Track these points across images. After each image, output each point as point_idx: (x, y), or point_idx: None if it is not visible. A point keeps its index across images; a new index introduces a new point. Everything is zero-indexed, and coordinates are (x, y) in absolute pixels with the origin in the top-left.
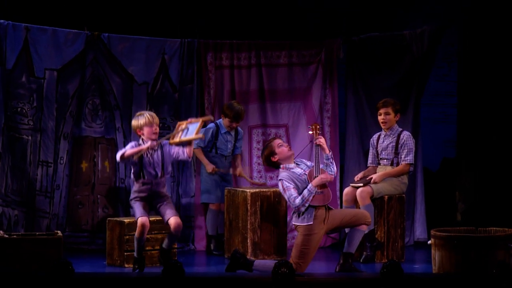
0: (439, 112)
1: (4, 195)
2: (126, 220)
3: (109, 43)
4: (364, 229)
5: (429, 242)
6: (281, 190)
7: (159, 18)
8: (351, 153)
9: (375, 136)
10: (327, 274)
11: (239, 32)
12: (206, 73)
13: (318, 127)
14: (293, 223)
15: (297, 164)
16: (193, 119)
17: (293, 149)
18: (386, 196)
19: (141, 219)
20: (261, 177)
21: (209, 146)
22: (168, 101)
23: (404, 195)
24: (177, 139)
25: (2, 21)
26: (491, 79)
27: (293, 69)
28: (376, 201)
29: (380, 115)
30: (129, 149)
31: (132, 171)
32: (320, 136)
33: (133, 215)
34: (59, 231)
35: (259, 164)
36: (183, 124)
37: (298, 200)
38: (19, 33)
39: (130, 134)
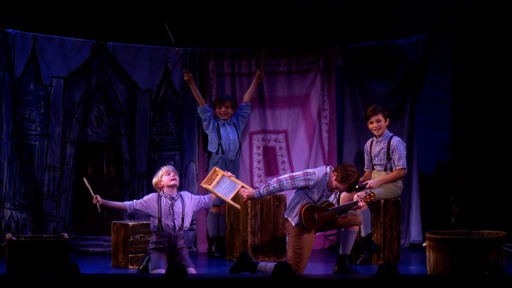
0: (434, 118)
1: (12, 198)
2: (131, 223)
3: (114, 52)
4: (356, 229)
5: (424, 244)
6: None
7: (162, 27)
8: (348, 157)
9: (368, 142)
10: (325, 275)
11: (239, 39)
12: (208, 81)
13: (373, 199)
14: (285, 215)
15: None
16: (232, 176)
17: (291, 154)
18: (382, 200)
19: (156, 271)
20: (261, 181)
21: (215, 146)
22: (171, 108)
23: (399, 198)
24: (210, 187)
25: (10, 30)
26: (484, 86)
27: (292, 76)
28: (373, 205)
29: (372, 123)
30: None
31: (151, 223)
32: (364, 205)
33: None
34: (65, 234)
35: (259, 169)
36: (219, 173)
37: (274, 183)
38: (27, 42)
39: (134, 140)
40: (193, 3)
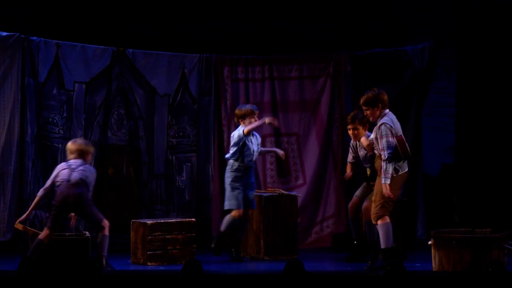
0: (439, 121)
1: None
2: (149, 221)
3: (134, 58)
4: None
5: (429, 242)
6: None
7: (180, 35)
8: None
9: (354, 142)
10: (334, 272)
11: (253, 46)
12: (223, 86)
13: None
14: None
15: None
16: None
17: (303, 156)
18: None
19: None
20: (273, 182)
21: (235, 155)
22: (187, 112)
23: (405, 198)
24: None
25: (35, 38)
26: (487, 91)
27: (303, 81)
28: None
29: (350, 129)
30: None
31: None
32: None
33: None
34: (87, 232)
35: (272, 170)
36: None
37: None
38: (51, 49)
39: (153, 143)
40: (209, 12)
